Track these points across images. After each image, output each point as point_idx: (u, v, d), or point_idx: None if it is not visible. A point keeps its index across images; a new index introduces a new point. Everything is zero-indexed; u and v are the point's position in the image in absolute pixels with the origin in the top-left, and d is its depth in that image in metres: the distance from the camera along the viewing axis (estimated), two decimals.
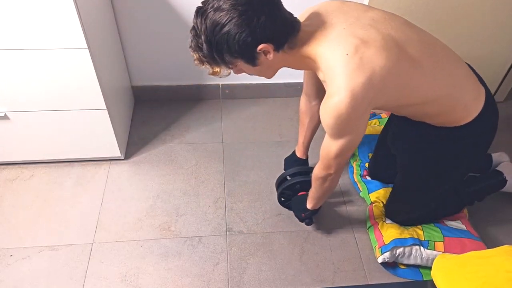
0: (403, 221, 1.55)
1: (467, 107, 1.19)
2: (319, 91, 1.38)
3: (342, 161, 1.22)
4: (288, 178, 1.59)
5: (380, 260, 1.48)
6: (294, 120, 2.06)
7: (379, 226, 1.56)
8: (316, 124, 1.52)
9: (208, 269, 1.48)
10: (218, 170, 1.81)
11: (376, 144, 1.70)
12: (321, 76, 1.12)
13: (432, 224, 1.55)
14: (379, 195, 1.65)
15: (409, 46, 1.09)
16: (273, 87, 2.12)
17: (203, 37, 1.02)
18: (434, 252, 1.46)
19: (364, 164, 1.80)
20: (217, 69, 1.12)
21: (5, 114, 1.53)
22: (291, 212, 1.64)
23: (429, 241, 1.48)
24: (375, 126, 1.93)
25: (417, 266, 1.51)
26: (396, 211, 1.55)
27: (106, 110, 1.57)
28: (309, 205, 1.47)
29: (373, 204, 1.63)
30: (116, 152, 1.75)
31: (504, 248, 1.02)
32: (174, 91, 2.08)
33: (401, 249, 1.46)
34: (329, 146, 1.17)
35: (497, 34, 1.87)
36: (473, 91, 1.21)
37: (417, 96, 1.14)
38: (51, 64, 1.41)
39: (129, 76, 2.00)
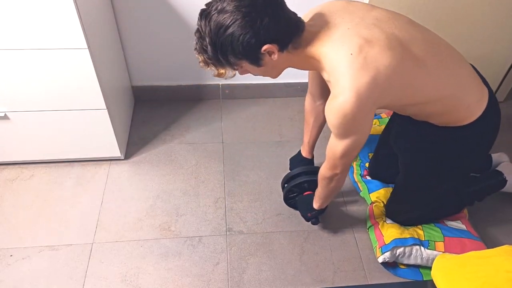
0: (404, 221, 1.55)
1: (470, 107, 1.19)
2: (324, 91, 1.38)
3: (348, 161, 1.22)
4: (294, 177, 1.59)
5: (380, 260, 1.48)
6: (294, 120, 2.06)
7: (379, 226, 1.56)
8: (321, 124, 1.53)
9: (208, 269, 1.48)
10: (218, 170, 1.81)
11: (377, 144, 1.70)
12: (325, 76, 1.12)
13: (432, 224, 1.55)
14: (379, 195, 1.65)
15: (413, 45, 1.09)
16: (273, 87, 2.12)
17: (207, 39, 1.02)
18: (435, 252, 1.46)
19: (364, 164, 1.80)
20: (222, 71, 1.13)
21: (5, 114, 1.53)
22: (291, 212, 1.64)
23: (429, 241, 1.48)
24: (375, 126, 1.92)
25: (417, 266, 1.51)
26: (397, 211, 1.55)
27: (106, 110, 1.57)
28: (315, 205, 1.47)
29: (374, 204, 1.63)
30: (116, 152, 1.75)
31: (504, 248, 1.02)
32: (174, 91, 2.08)
33: (401, 249, 1.46)
34: (335, 146, 1.18)
35: (497, 34, 1.87)
36: (477, 91, 1.21)
37: (421, 96, 1.15)
38: (51, 64, 1.41)
39: (129, 76, 2.00)
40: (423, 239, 1.48)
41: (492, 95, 1.24)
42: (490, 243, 1.56)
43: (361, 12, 1.11)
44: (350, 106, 1.02)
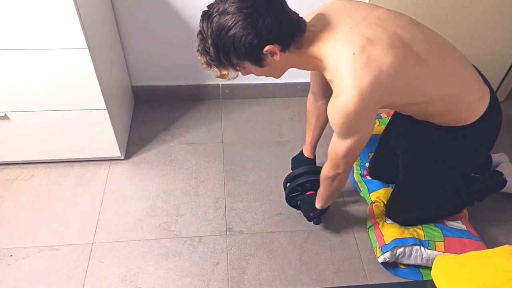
0: (404, 221, 1.55)
1: (472, 106, 1.19)
2: (326, 91, 1.38)
3: (350, 161, 1.22)
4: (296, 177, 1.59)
5: (380, 259, 1.48)
6: (294, 120, 2.06)
7: (379, 226, 1.56)
8: (323, 123, 1.53)
9: (208, 269, 1.48)
10: (218, 170, 1.81)
11: (378, 143, 1.70)
12: (328, 76, 1.12)
13: (433, 224, 1.55)
14: (379, 195, 1.65)
15: (415, 44, 1.09)
16: (273, 87, 2.12)
17: (209, 41, 1.03)
18: (435, 252, 1.46)
19: (365, 164, 1.80)
20: (225, 72, 1.13)
21: (5, 114, 1.53)
22: (291, 212, 1.64)
23: (429, 241, 1.48)
24: (376, 126, 1.92)
25: (417, 266, 1.51)
26: (397, 211, 1.55)
27: (106, 110, 1.57)
28: (317, 205, 1.47)
29: (374, 204, 1.63)
30: (116, 152, 1.75)
31: (504, 248, 1.02)
32: (174, 91, 2.08)
33: (401, 249, 1.46)
34: (337, 145, 1.18)
35: (497, 34, 1.87)
36: (478, 90, 1.21)
37: (422, 95, 1.15)
38: (51, 64, 1.41)
39: (129, 76, 2.00)
40: (423, 239, 1.48)
41: (493, 95, 1.24)
42: (490, 243, 1.56)
43: (363, 12, 1.11)
44: (353, 106, 1.03)
